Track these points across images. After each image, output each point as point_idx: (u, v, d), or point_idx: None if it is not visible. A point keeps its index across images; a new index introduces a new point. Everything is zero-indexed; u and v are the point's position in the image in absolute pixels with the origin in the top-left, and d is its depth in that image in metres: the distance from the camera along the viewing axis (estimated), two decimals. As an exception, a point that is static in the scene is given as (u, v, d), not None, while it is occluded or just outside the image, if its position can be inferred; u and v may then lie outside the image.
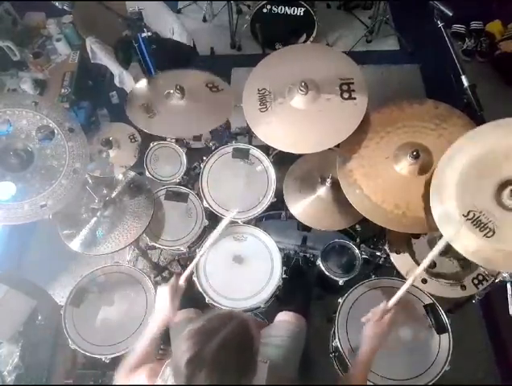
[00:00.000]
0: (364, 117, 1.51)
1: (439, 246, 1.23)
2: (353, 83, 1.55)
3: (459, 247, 1.19)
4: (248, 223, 1.81)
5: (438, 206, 1.25)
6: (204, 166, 1.86)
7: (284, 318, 1.61)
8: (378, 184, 1.45)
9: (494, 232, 1.15)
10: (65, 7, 1.70)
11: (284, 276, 1.67)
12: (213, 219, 1.87)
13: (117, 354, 1.56)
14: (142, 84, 1.90)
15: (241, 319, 0.97)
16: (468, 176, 1.22)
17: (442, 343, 1.49)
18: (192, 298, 1.61)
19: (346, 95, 1.54)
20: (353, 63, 1.61)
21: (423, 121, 1.49)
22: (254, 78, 1.67)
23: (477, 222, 1.17)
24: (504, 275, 1.38)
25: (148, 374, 1.14)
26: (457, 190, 1.22)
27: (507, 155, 1.20)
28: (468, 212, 1.18)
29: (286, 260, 1.81)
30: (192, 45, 2.67)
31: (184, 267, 2.15)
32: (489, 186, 1.19)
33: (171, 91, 1.73)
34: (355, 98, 1.53)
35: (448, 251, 1.62)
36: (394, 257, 1.65)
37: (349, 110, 1.52)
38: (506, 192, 1.16)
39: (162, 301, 1.34)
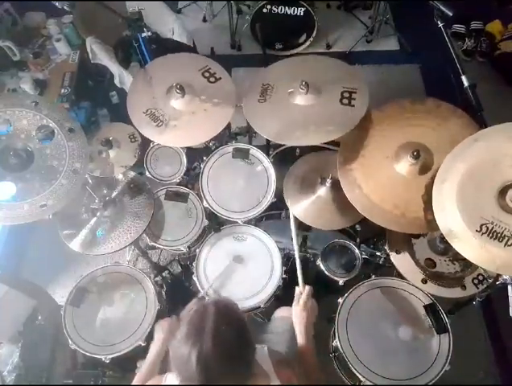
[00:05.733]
0: (364, 116, 1.51)
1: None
2: (355, 92, 1.58)
3: (485, 264, 1.17)
4: (248, 223, 1.81)
5: (455, 242, 1.22)
6: (204, 166, 1.86)
7: (283, 313, 1.61)
8: (378, 183, 1.45)
9: None
10: (65, 7, 1.70)
11: (284, 276, 1.68)
12: (213, 219, 1.87)
13: (117, 354, 1.56)
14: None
15: (220, 304, 1.00)
16: (466, 192, 1.21)
17: (442, 343, 1.49)
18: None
19: (345, 101, 1.57)
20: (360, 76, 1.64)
21: (424, 120, 1.49)
22: (259, 75, 1.74)
23: (493, 233, 1.15)
24: (505, 277, 1.38)
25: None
26: (459, 208, 1.20)
27: (494, 164, 1.20)
28: (481, 227, 1.16)
29: (287, 260, 1.81)
30: (191, 45, 2.67)
31: (184, 267, 2.15)
32: (490, 196, 1.18)
33: (171, 89, 1.69)
34: (353, 106, 1.55)
35: (448, 251, 1.62)
36: (394, 257, 1.65)
37: (346, 115, 1.54)
38: (510, 196, 1.15)
39: (159, 333, 1.48)
